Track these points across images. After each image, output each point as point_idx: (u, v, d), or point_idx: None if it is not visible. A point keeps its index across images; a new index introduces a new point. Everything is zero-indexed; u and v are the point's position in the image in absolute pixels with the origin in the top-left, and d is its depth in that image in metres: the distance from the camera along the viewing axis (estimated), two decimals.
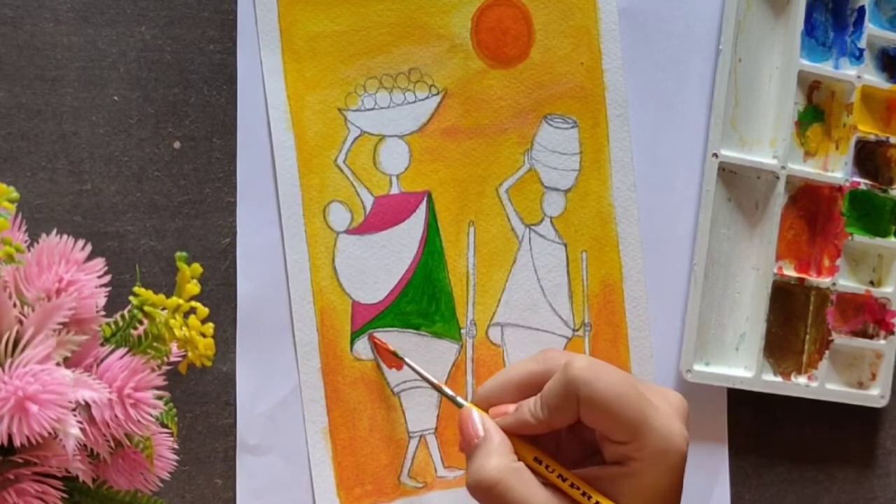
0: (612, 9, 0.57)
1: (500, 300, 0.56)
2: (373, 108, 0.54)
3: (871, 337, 0.61)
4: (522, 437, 0.47)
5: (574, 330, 0.57)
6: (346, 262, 0.54)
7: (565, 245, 0.57)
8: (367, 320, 0.54)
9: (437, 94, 0.55)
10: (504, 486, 0.45)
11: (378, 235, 0.54)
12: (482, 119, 0.55)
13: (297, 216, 0.53)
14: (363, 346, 0.54)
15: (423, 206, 0.55)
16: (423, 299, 0.55)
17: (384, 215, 0.54)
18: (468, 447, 0.47)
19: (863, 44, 0.60)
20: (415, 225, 0.55)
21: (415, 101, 0.54)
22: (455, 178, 0.55)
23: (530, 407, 0.48)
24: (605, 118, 0.57)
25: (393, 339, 0.54)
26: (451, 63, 0.55)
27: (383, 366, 0.54)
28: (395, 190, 0.54)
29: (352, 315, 0.54)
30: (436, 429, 0.55)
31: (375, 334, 0.54)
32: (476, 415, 0.48)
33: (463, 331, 0.55)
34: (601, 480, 0.46)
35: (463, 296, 0.55)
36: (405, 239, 0.54)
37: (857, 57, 0.60)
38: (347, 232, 0.54)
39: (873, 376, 0.61)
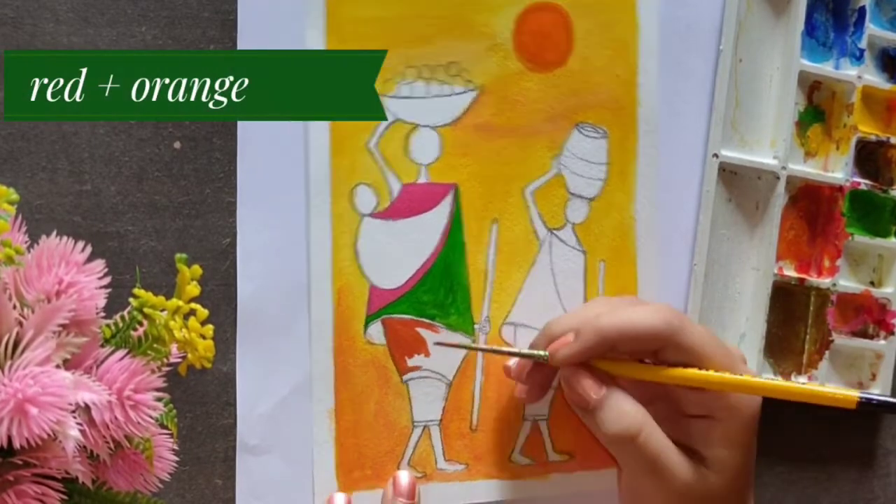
0: (653, 25, 0.57)
1: (515, 300, 0.56)
2: (409, 97, 0.54)
3: (872, 337, 0.61)
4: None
5: None
6: (368, 246, 0.54)
7: (584, 253, 0.57)
8: (383, 305, 0.54)
9: (474, 89, 0.55)
10: (647, 433, 0.49)
11: (402, 222, 0.54)
12: (515, 119, 0.56)
13: (324, 194, 0.53)
14: (376, 331, 0.54)
15: (448, 199, 0.55)
16: (441, 290, 0.55)
17: (410, 203, 0.54)
18: (587, 403, 0.50)
19: (863, 44, 0.60)
20: (439, 216, 0.55)
21: (451, 95, 0.55)
22: (483, 174, 0.55)
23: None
24: (635, 132, 0.57)
25: (407, 327, 0.54)
26: (489, 61, 0.55)
27: (394, 353, 0.54)
28: (423, 179, 0.55)
29: (368, 298, 0.54)
30: (440, 420, 0.55)
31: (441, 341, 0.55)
32: (586, 370, 0.51)
33: (476, 326, 0.56)
34: (687, 435, 0.50)
35: (480, 292, 0.55)
36: (428, 229, 0.55)
37: (858, 57, 0.60)
38: (372, 215, 0.54)
39: (873, 377, 0.61)
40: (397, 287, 0.54)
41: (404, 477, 0.53)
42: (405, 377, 0.54)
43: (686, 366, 0.49)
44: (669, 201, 0.58)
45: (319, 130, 0.53)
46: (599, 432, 0.50)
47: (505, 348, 0.55)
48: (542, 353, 0.51)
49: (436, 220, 0.55)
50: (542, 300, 0.56)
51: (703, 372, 0.49)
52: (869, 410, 0.45)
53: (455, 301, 0.55)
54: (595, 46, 0.56)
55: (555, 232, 0.56)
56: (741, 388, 0.49)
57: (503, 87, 0.55)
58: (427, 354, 0.55)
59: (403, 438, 0.55)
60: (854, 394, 0.46)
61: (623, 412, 0.49)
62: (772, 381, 0.49)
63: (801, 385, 0.47)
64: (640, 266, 0.57)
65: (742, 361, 0.52)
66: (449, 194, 0.55)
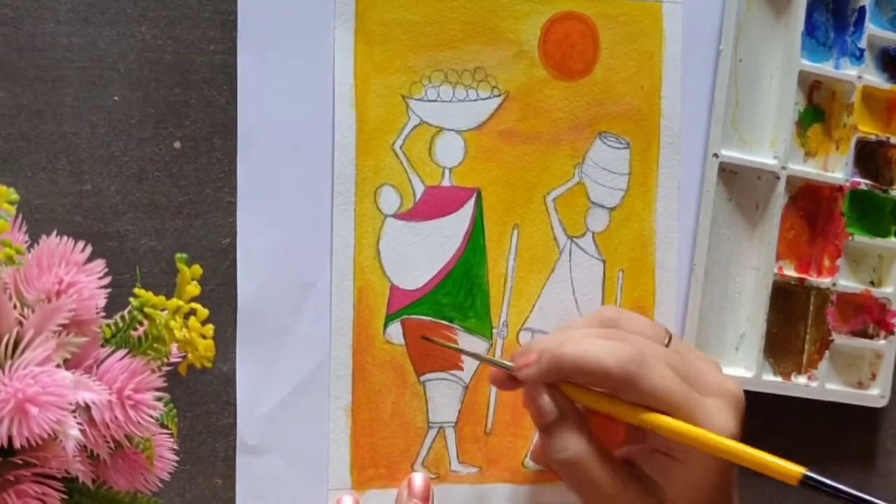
0: (677, 39, 0.57)
1: (534, 306, 0.56)
2: (435, 100, 0.55)
3: (871, 337, 0.61)
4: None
5: None
6: (391, 246, 0.54)
7: (604, 262, 0.57)
8: (403, 305, 0.54)
9: (499, 95, 0.56)
10: (586, 467, 0.48)
11: (424, 224, 0.55)
12: (539, 126, 0.56)
13: (348, 193, 0.53)
14: (395, 331, 0.54)
15: (471, 203, 0.55)
16: (461, 293, 0.55)
17: (433, 205, 0.55)
18: (543, 422, 0.50)
19: (863, 44, 0.60)
20: (461, 219, 0.55)
21: (476, 99, 0.55)
22: (506, 179, 0.56)
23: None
24: (657, 144, 0.58)
25: (425, 328, 0.55)
26: (515, 68, 0.56)
27: (412, 354, 0.54)
28: (446, 182, 0.55)
29: (389, 298, 0.54)
30: (456, 423, 0.55)
31: (430, 336, 0.54)
32: (547, 390, 0.50)
33: (494, 330, 0.56)
34: (649, 465, 0.49)
35: (499, 296, 0.56)
36: (450, 231, 0.55)
37: (858, 57, 0.60)
38: (395, 216, 0.54)
39: (873, 376, 0.61)
40: (417, 288, 0.55)
41: (419, 479, 0.54)
42: (422, 378, 0.55)
43: (644, 406, 0.48)
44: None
45: (345, 130, 0.53)
46: (546, 454, 0.50)
47: (482, 355, 0.55)
48: (509, 363, 0.51)
49: (458, 223, 0.55)
50: (560, 307, 0.57)
51: (652, 415, 0.47)
52: (812, 487, 0.44)
53: (474, 304, 0.56)
54: (620, 57, 0.57)
55: (575, 240, 0.57)
56: (688, 439, 0.47)
57: (528, 94, 0.56)
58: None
59: (418, 439, 0.55)
60: (799, 470, 0.45)
61: (565, 442, 0.49)
62: (722, 440, 0.46)
63: (749, 450, 0.46)
64: (658, 277, 0.58)
65: (720, 398, 0.49)
66: (471, 198, 0.55)
